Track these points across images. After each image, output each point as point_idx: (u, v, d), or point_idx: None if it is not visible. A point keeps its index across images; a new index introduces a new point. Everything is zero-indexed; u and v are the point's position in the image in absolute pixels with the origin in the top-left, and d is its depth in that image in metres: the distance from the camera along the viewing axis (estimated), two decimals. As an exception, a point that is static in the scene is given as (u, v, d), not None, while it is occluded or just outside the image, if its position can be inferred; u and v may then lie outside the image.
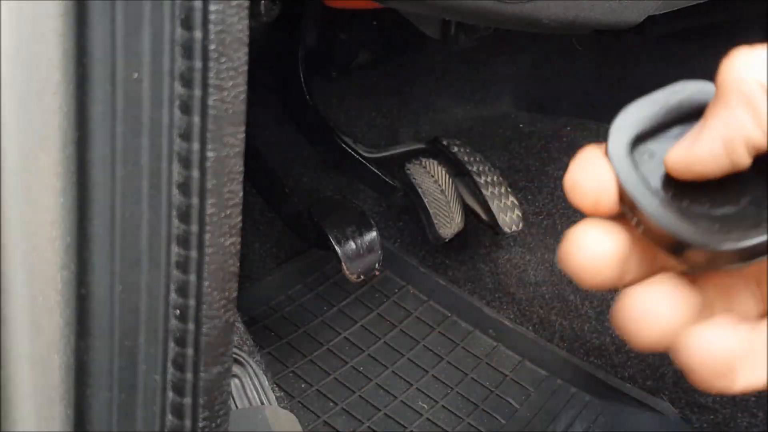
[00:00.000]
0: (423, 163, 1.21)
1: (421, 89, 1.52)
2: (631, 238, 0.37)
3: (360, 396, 1.14)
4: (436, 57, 1.53)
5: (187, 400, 0.45)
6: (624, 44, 1.52)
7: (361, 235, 1.12)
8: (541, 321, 1.24)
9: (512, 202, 1.19)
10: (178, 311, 0.44)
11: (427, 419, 1.12)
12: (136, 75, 0.41)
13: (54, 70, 0.41)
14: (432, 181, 1.20)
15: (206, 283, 0.43)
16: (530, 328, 1.25)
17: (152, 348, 0.45)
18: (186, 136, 0.41)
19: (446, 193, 1.20)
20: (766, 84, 0.34)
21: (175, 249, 0.43)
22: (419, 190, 1.19)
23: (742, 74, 0.35)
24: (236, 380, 0.66)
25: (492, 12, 0.69)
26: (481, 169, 1.20)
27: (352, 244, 1.11)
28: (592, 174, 0.37)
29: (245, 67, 0.41)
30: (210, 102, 0.40)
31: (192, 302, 0.44)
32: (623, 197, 0.37)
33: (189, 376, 0.45)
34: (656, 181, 0.37)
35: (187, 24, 0.39)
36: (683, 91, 0.39)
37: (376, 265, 1.12)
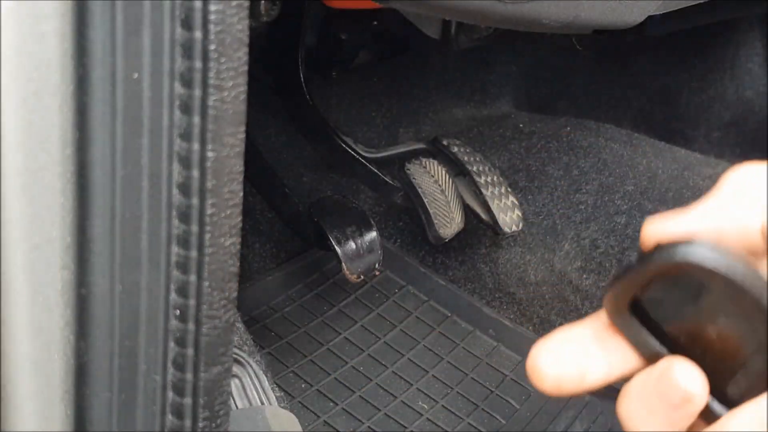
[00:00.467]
0: (423, 163, 1.21)
1: (421, 89, 1.52)
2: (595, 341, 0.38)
3: (360, 396, 1.14)
4: (436, 57, 1.53)
5: (187, 400, 0.45)
6: (624, 44, 1.52)
7: (361, 235, 1.12)
8: (541, 321, 1.24)
9: (512, 202, 1.19)
10: (178, 311, 0.44)
11: (427, 419, 1.12)
12: (136, 75, 0.41)
13: (54, 70, 0.41)
14: (432, 181, 1.20)
15: (206, 283, 0.43)
16: (530, 328, 1.25)
17: (152, 348, 0.45)
18: (186, 136, 0.41)
19: (446, 193, 1.20)
20: None
21: (175, 249, 0.43)
22: (419, 190, 1.19)
23: None
24: (236, 380, 0.66)
25: (492, 12, 0.69)
26: (481, 169, 1.20)
27: (352, 244, 1.11)
28: (554, 360, 0.38)
29: (245, 67, 0.41)
30: (210, 102, 0.40)
31: (192, 302, 0.44)
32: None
33: (189, 376, 0.45)
34: None
35: (187, 24, 0.39)
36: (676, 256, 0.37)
37: (376, 265, 1.12)
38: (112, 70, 0.41)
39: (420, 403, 1.14)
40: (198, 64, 0.40)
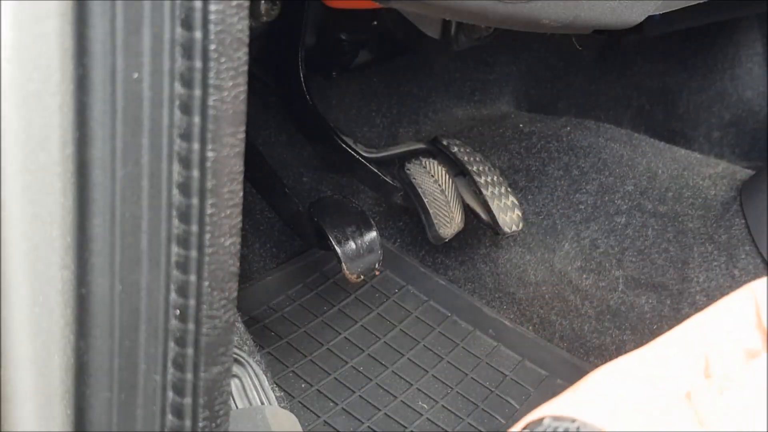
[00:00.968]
0: (423, 163, 1.21)
1: (421, 89, 1.52)
2: None
3: (360, 396, 1.14)
4: (436, 57, 1.53)
5: (187, 400, 0.45)
6: (624, 44, 1.52)
7: (361, 235, 1.12)
8: (541, 321, 1.24)
9: (512, 202, 1.19)
10: (178, 311, 0.44)
11: (427, 419, 1.12)
12: (136, 75, 0.41)
13: (54, 70, 0.41)
14: (432, 181, 1.20)
15: (206, 283, 0.43)
16: (530, 328, 1.25)
17: (152, 348, 0.45)
18: (186, 136, 0.41)
19: (446, 193, 1.20)
20: None
21: (175, 249, 0.43)
22: (419, 190, 1.19)
23: None
24: (236, 380, 0.66)
25: (492, 12, 0.69)
26: (481, 169, 1.20)
27: (352, 244, 1.11)
28: None
29: (245, 67, 0.41)
30: (210, 102, 0.40)
31: (192, 302, 0.44)
32: None
33: (189, 376, 0.45)
34: None
35: (187, 24, 0.39)
36: None
37: (376, 265, 1.12)
38: (112, 70, 0.41)
39: (420, 403, 1.14)
40: (198, 64, 0.40)
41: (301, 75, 1.27)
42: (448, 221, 1.19)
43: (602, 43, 1.54)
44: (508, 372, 1.20)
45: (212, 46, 0.39)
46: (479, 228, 1.28)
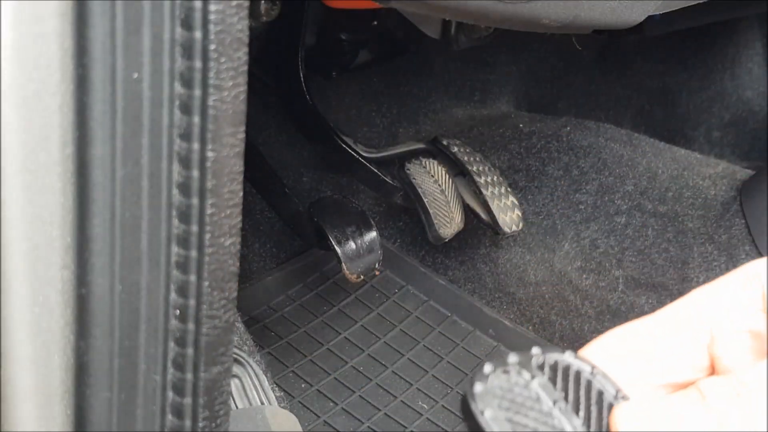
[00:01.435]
0: (423, 163, 1.21)
1: (421, 89, 1.52)
2: None
3: (360, 396, 1.14)
4: (436, 57, 1.53)
5: (187, 400, 0.45)
6: (624, 44, 1.52)
7: (361, 235, 1.12)
8: (541, 321, 1.24)
9: (512, 202, 1.19)
10: (178, 311, 0.44)
11: (427, 419, 1.12)
12: (136, 75, 0.41)
13: (54, 70, 0.41)
14: (432, 181, 1.20)
15: (206, 283, 0.43)
16: (530, 328, 1.25)
17: (152, 348, 0.45)
18: (186, 136, 0.41)
19: (446, 193, 1.20)
20: None
21: (175, 249, 0.43)
22: (419, 190, 1.19)
23: None
24: (236, 380, 0.66)
25: (492, 12, 0.69)
26: (481, 169, 1.20)
27: (352, 244, 1.11)
28: None
29: (245, 67, 0.41)
30: (210, 102, 0.40)
31: (192, 302, 0.44)
32: None
33: (189, 376, 0.45)
34: None
35: (187, 24, 0.39)
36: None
37: (376, 265, 1.12)
38: (112, 70, 0.41)
39: (420, 403, 1.14)
40: (198, 64, 0.40)
41: (301, 75, 1.27)
42: (448, 221, 1.19)
43: (602, 43, 1.54)
44: (508, 372, 1.20)
45: (212, 46, 0.39)
46: (479, 228, 1.27)
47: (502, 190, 1.19)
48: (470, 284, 1.30)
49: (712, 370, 0.38)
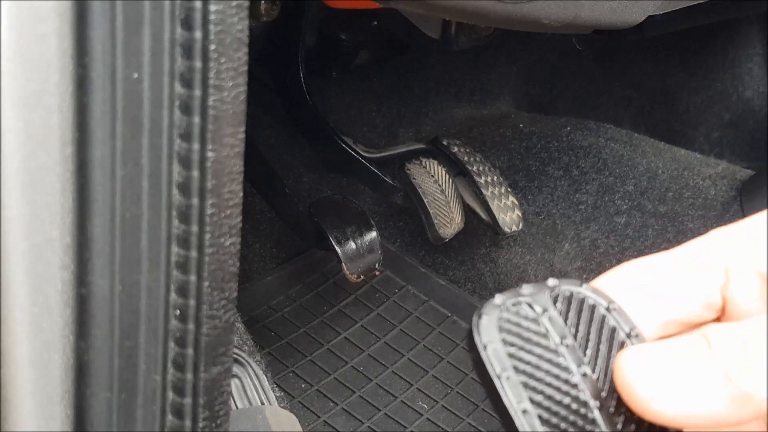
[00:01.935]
0: (423, 163, 1.21)
1: (421, 89, 1.52)
2: None
3: (360, 396, 1.14)
4: (436, 57, 1.53)
5: (187, 400, 0.45)
6: (624, 44, 1.52)
7: (361, 235, 1.12)
8: (541, 321, 1.24)
9: (512, 202, 1.19)
10: (178, 311, 0.44)
11: (427, 419, 1.12)
12: (136, 75, 0.41)
13: (54, 70, 0.41)
14: (432, 181, 1.20)
15: (206, 283, 0.43)
16: (530, 328, 1.25)
17: (152, 348, 0.45)
18: (186, 136, 0.41)
19: (446, 193, 1.20)
20: None
21: (175, 249, 0.43)
22: (419, 190, 1.19)
23: None
24: (236, 380, 0.66)
25: (492, 12, 0.69)
26: (481, 169, 1.20)
27: (352, 244, 1.11)
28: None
29: (245, 67, 0.41)
30: (210, 102, 0.40)
31: (192, 302, 0.44)
32: None
33: (189, 376, 0.45)
34: None
35: (187, 24, 0.39)
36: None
37: (376, 265, 1.12)
38: (112, 70, 0.41)
39: (420, 403, 1.14)
40: (198, 64, 0.40)
41: (301, 75, 1.27)
42: (448, 221, 1.19)
43: (602, 43, 1.54)
44: (508, 372, 1.20)
45: (212, 46, 0.39)
46: (479, 228, 1.27)
47: (502, 190, 1.19)
48: (470, 284, 1.30)
49: (725, 312, 0.37)
